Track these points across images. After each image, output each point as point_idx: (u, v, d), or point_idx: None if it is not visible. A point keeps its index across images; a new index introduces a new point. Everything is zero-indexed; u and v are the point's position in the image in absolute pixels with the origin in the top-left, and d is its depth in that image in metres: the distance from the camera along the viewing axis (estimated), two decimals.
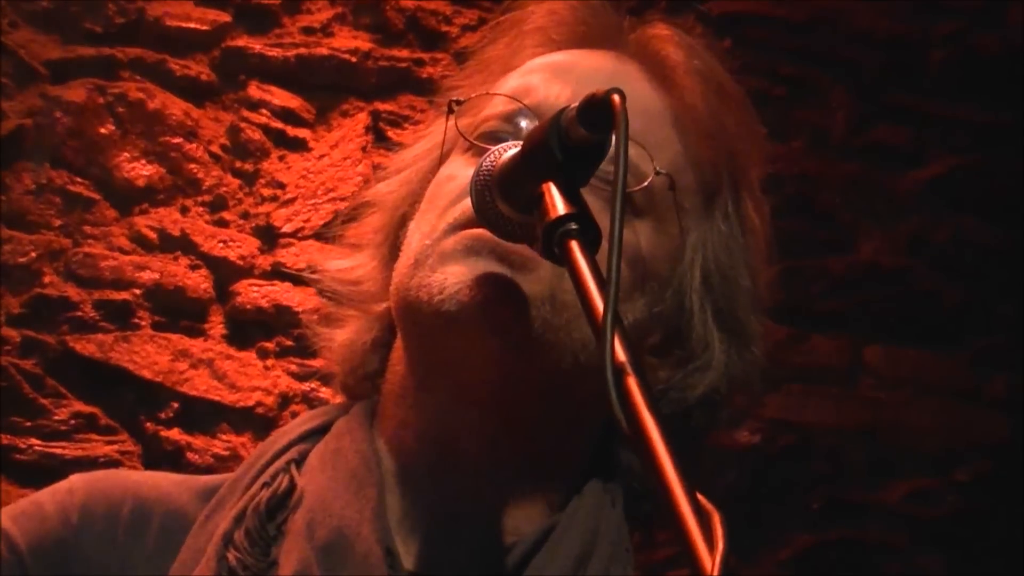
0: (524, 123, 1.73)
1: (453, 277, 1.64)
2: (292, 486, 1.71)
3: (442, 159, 1.80)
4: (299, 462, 1.74)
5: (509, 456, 1.69)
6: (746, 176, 1.85)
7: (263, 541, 1.68)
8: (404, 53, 3.29)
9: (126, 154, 3.06)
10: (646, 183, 1.72)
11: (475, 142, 1.75)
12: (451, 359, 1.67)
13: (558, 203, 1.51)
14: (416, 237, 1.72)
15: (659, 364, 1.75)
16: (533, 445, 1.70)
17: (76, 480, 1.79)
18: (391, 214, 1.83)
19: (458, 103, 1.79)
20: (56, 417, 2.91)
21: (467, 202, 1.65)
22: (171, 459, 2.97)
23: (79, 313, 2.97)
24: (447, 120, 1.80)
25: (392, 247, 1.80)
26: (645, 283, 1.74)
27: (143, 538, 1.74)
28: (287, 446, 1.77)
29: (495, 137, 1.74)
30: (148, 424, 2.97)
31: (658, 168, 1.72)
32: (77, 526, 1.74)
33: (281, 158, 3.17)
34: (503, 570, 1.65)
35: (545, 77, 1.77)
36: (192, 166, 3.10)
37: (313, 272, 1.89)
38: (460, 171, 1.73)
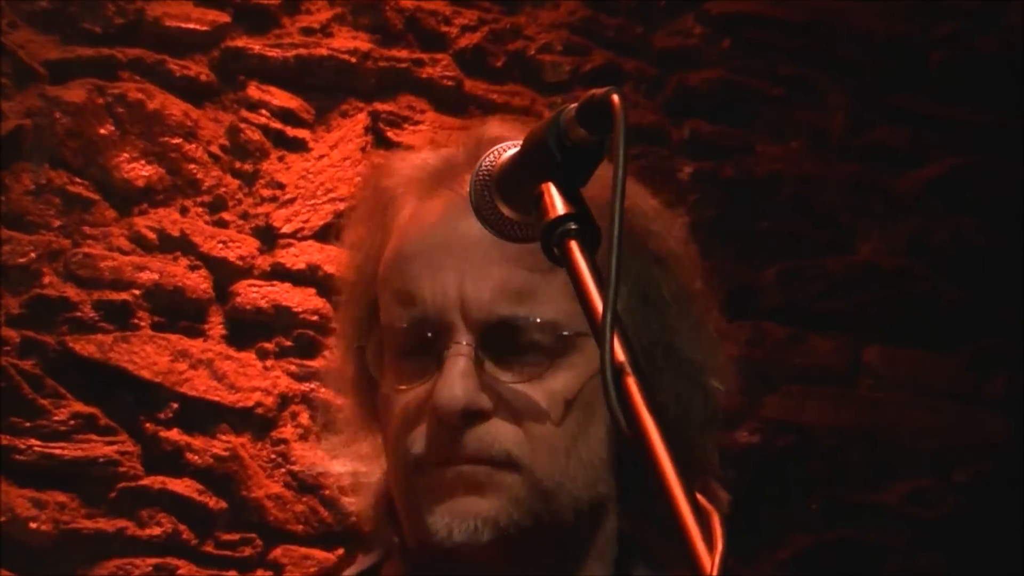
0: (423, 334, 1.73)
1: (439, 522, 1.69)
2: None
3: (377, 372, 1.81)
4: None
5: None
6: (634, 217, 1.79)
7: None
8: (403, 53, 3.29)
9: (125, 154, 3.06)
10: (538, 345, 1.73)
11: (395, 387, 1.74)
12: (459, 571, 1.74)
13: (557, 203, 1.50)
14: (392, 472, 1.76)
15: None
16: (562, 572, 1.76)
17: None
18: (356, 396, 1.85)
19: (361, 349, 1.80)
20: (56, 417, 2.91)
21: (416, 445, 1.70)
22: (170, 459, 2.97)
23: (79, 313, 2.97)
24: (361, 362, 1.81)
25: (373, 421, 1.83)
26: (600, 404, 1.74)
27: None
28: None
29: (408, 354, 1.74)
30: (148, 424, 2.97)
31: (539, 319, 1.72)
32: None
33: (280, 158, 3.17)
34: None
35: (423, 270, 1.74)
36: (191, 166, 3.10)
37: (332, 454, 1.92)
38: (394, 402, 1.75)
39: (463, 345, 1.69)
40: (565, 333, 1.72)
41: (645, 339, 1.76)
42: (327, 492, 3.04)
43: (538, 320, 1.69)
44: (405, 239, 1.77)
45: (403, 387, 1.74)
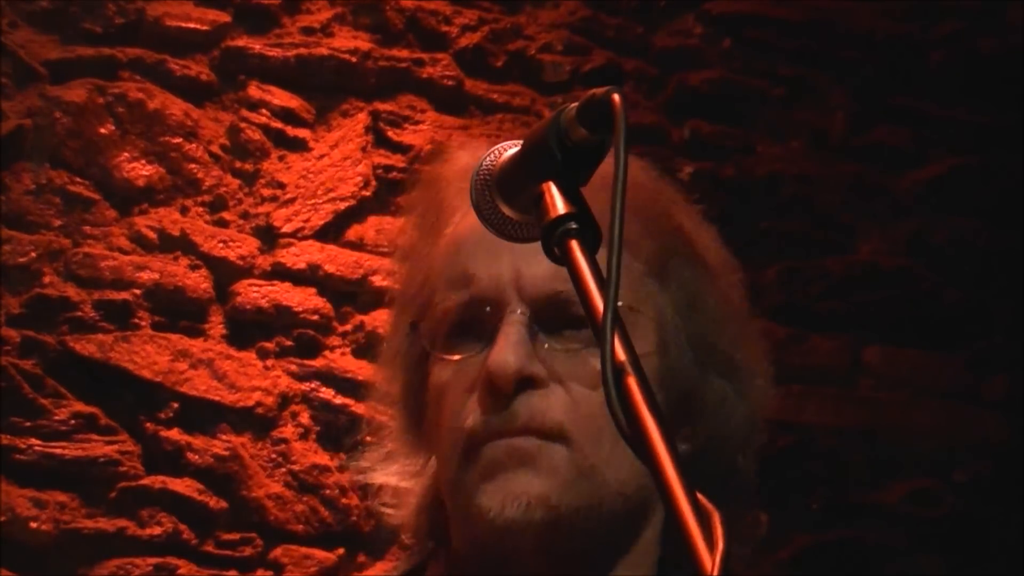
0: (479, 309, 1.75)
1: (491, 499, 1.70)
2: None
3: (425, 357, 1.82)
4: None
5: None
6: (686, 231, 1.87)
7: None
8: (404, 53, 3.29)
9: (126, 154, 3.06)
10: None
11: (447, 357, 1.77)
12: (514, 560, 1.74)
13: (558, 202, 1.50)
14: (440, 457, 1.78)
15: (690, 432, 1.80)
16: (604, 569, 1.77)
17: None
18: (402, 411, 1.87)
19: (414, 326, 1.82)
20: (56, 417, 2.91)
21: (466, 420, 1.72)
22: (171, 459, 2.97)
23: (79, 313, 2.97)
24: (415, 339, 1.82)
25: (418, 435, 1.84)
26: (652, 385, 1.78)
27: None
28: None
29: (461, 331, 1.77)
30: (148, 424, 2.97)
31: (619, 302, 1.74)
32: None
33: (281, 158, 3.17)
34: None
35: (479, 254, 1.78)
36: (192, 166, 3.10)
37: (361, 472, 1.94)
38: (446, 379, 1.77)
39: (517, 314, 1.71)
40: (619, 303, 1.73)
41: (693, 341, 1.80)
42: (327, 492, 3.04)
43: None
44: (461, 228, 1.81)
45: (457, 356, 1.75)
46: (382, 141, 3.24)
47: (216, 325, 3.07)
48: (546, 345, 1.72)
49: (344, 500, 3.06)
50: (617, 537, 1.76)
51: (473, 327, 1.75)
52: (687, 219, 1.88)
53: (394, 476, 1.88)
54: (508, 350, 1.70)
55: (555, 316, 1.72)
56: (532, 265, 1.73)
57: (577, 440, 1.71)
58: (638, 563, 1.78)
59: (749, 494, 1.88)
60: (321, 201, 3.17)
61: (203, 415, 3.01)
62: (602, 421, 1.67)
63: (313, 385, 3.08)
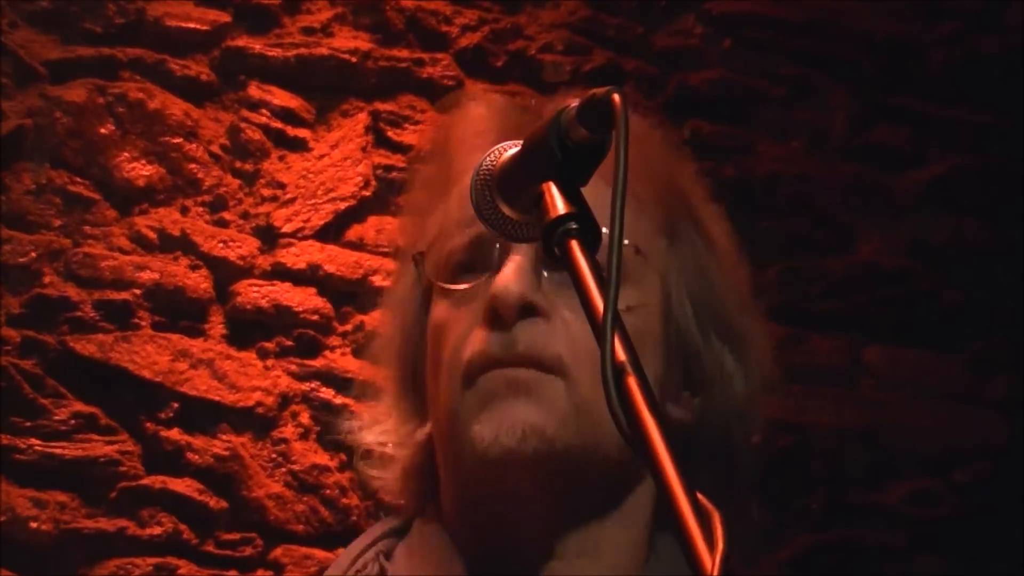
0: (488, 246, 1.76)
1: (486, 428, 1.70)
2: (382, 572, 1.79)
3: (426, 297, 1.83)
4: (386, 554, 1.82)
5: (575, 547, 1.75)
6: (694, 196, 1.91)
7: None
8: (404, 53, 3.29)
9: (126, 154, 3.06)
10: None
11: (450, 287, 1.78)
12: (505, 498, 1.74)
13: (558, 203, 1.51)
14: (439, 394, 1.77)
15: (689, 398, 1.82)
16: (598, 527, 1.76)
17: None
18: (400, 364, 1.88)
19: (421, 255, 1.83)
20: (56, 417, 2.91)
21: (467, 350, 1.72)
22: (171, 459, 2.97)
23: (79, 313, 2.97)
24: (418, 272, 1.84)
25: (413, 392, 1.85)
26: (649, 338, 1.79)
27: None
28: (372, 542, 1.84)
29: (466, 268, 1.78)
30: (148, 424, 2.97)
31: (602, 230, 1.74)
32: None
33: (281, 158, 3.17)
34: None
35: None
36: (192, 166, 3.10)
37: (350, 431, 1.94)
38: (447, 316, 1.78)
39: (523, 247, 1.71)
40: (625, 241, 1.73)
41: (698, 303, 1.81)
42: (327, 492, 3.04)
43: (602, 231, 1.66)
44: (467, 180, 1.79)
45: (461, 286, 1.75)
46: (382, 141, 3.24)
47: (216, 325, 3.07)
48: (552, 280, 1.72)
49: (344, 500, 3.06)
50: (610, 484, 1.75)
51: (479, 262, 1.76)
52: (698, 191, 1.91)
53: (383, 437, 1.88)
54: (512, 276, 1.70)
55: None
56: None
57: (576, 375, 1.70)
58: (630, 517, 1.78)
59: (748, 470, 1.87)
60: (321, 201, 3.17)
61: (203, 415, 3.01)
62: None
63: (313, 385, 3.08)
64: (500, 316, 1.70)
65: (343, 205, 3.18)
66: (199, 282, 3.07)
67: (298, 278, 3.12)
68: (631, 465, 1.73)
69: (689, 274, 1.83)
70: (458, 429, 1.73)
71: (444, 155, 1.90)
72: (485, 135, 1.86)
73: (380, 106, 3.25)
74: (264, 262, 3.12)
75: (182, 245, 3.06)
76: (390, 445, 1.88)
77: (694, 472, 1.76)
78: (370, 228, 3.19)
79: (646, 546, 1.78)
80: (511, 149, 1.63)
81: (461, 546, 1.78)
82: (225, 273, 3.09)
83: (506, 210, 1.61)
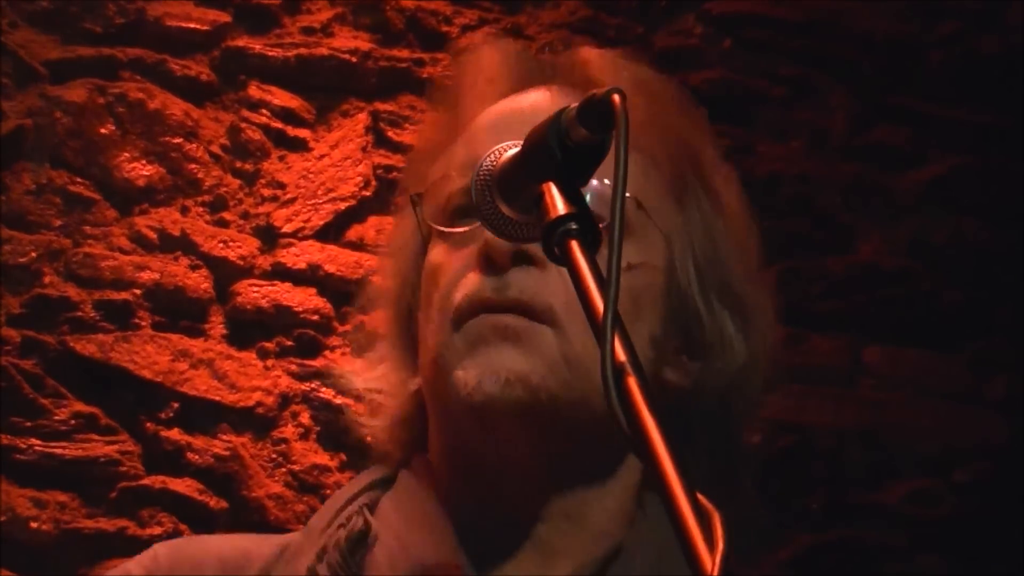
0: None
1: (470, 372, 1.68)
2: (367, 527, 1.76)
3: (424, 242, 1.82)
4: (371, 507, 1.80)
5: (559, 503, 1.74)
6: (705, 157, 1.89)
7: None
8: (404, 53, 3.29)
9: (126, 154, 3.06)
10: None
11: (446, 230, 1.78)
12: (489, 446, 1.72)
13: (558, 203, 1.51)
14: (428, 337, 1.76)
15: (687, 363, 1.79)
16: (585, 488, 1.75)
17: (160, 548, 1.86)
18: (395, 308, 1.87)
19: (419, 196, 1.82)
20: (56, 417, 2.91)
21: (458, 292, 1.71)
22: (171, 459, 2.97)
23: (79, 313, 2.97)
24: (415, 212, 1.83)
25: (406, 334, 1.84)
26: (648, 297, 1.77)
27: None
28: (357, 493, 1.82)
29: (463, 213, 1.77)
30: (148, 424, 2.97)
31: (605, 180, 1.73)
32: None
33: (281, 158, 3.18)
34: None
35: (488, 137, 1.78)
36: (192, 166, 3.10)
37: (340, 376, 1.93)
38: (443, 259, 1.77)
39: None
40: (628, 194, 1.71)
41: (702, 267, 1.79)
42: (328, 492, 3.04)
43: (605, 181, 1.64)
44: (477, 122, 1.81)
45: (457, 229, 1.74)
46: (382, 141, 3.24)
47: (216, 325, 3.07)
48: None
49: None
50: (598, 443, 1.72)
51: (472, 213, 1.72)
52: (710, 151, 1.89)
53: (375, 383, 1.87)
54: None
55: None
56: None
57: (567, 327, 1.68)
58: (618, 480, 1.76)
59: (744, 442, 1.86)
60: (321, 201, 3.17)
61: (203, 415, 3.01)
62: None
63: (313, 385, 3.08)
64: (493, 260, 1.69)
65: (343, 205, 3.18)
66: (199, 282, 3.07)
67: (298, 278, 3.12)
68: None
69: (695, 235, 1.81)
70: (443, 373, 1.71)
71: (454, 99, 1.89)
72: (497, 82, 1.86)
73: (380, 106, 3.26)
74: (264, 262, 3.12)
75: (182, 245, 3.06)
76: (381, 393, 1.87)
77: (689, 441, 1.75)
78: (370, 228, 3.19)
79: (634, 509, 1.76)
80: (511, 149, 1.63)
81: (447, 501, 1.76)
82: (225, 273, 3.09)
83: (506, 210, 1.61)
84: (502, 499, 1.74)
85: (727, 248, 1.84)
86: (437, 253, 1.78)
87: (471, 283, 1.71)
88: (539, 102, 1.81)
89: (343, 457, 3.05)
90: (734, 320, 1.82)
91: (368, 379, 1.89)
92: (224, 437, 3.01)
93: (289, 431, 3.06)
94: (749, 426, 1.86)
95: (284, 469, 3.05)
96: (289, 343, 3.09)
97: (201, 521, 2.97)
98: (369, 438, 1.90)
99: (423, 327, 1.78)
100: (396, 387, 1.85)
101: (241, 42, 3.20)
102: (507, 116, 1.82)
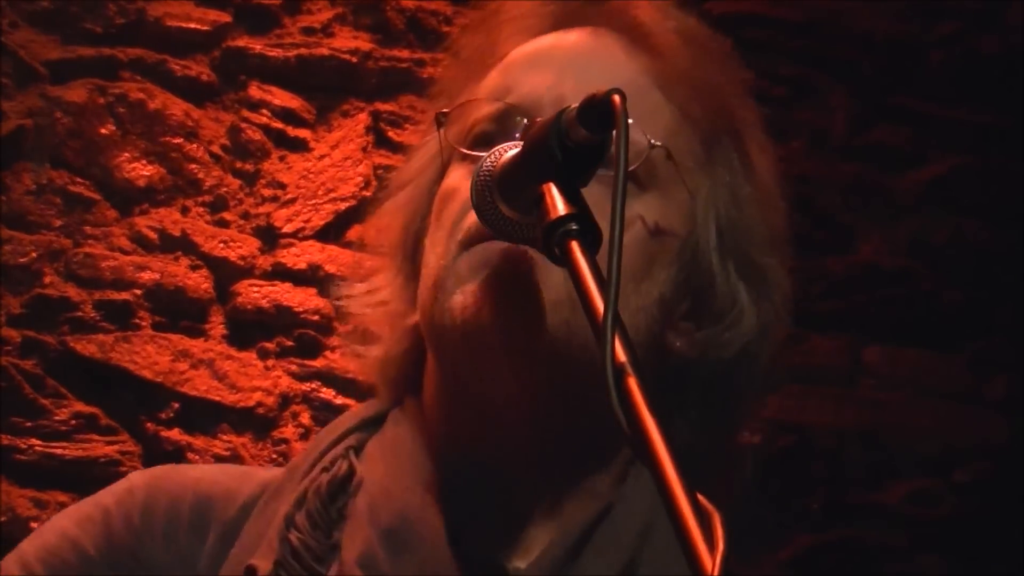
0: (511, 119, 1.73)
1: (471, 296, 1.64)
2: (351, 472, 1.73)
3: (443, 168, 1.79)
4: (357, 449, 1.76)
5: (549, 455, 1.71)
6: (743, 121, 1.85)
7: (325, 524, 1.70)
8: (404, 53, 3.29)
9: (126, 154, 3.06)
10: (642, 159, 1.71)
11: (467, 151, 1.74)
12: (477, 375, 1.68)
13: (558, 203, 1.51)
14: (432, 258, 1.72)
15: (693, 328, 1.75)
16: (571, 440, 1.71)
17: (136, 479, 1.81)
18: (403, 232, 1.83)
19: (444, 115, 1.79)
20: (56, 417, 2.92)
21: (470, 216, 1.66)
22: (171, 459, 2.97)
23: (79, 313, 2.97)
24: (438, 132, 1.79)
25: (411, 264, 1.80)
26: (664, 255, 1.74)
27: (204, 535, 1.76)
28: (344, 434, 1.78)
29: (486, 140, 1.73)
30: (148, 424, 2.97)
31: (652, 140, 1.71)
32: (139, 528, 1.76)
33: (282, 158, 3.18)
34: (564, 552, 1.67)
35: (524, 69, 1.76)
36: (192, 166, 3.10)
37: (338, 298, 1.89)
38: (460, 183, 1.73)
39: None
40: (657, 143, 1.69)
41: (723, 231, 1.76)
42: None
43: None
44: (516, 52, 1.78)
45: (478, 153, 1.68)
46: (383, 141, 3.24)
47: (217, 325, 3.07)
48: None
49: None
50: (592, 397, 1.56)
51: (501, 136, 1.70)
52: (749, 116, 1.85)
53: (371, 309, 1.83)
54: None
55: None
56: (578, 84, 1.67)
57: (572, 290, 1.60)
58: (607, 443, 1.72)
59: (743, 418, 1.82)
60: (322, 201, 3.17)
61: (204, 415, 3.01)
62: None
63: (314, 385, 3.08)
64: None
65: (343, 205, 3.18)
66: (199, 282, 3.07)
67: (299, 278, 3.12)
68: None
69: (721, 197, 1.77)
70: (440, 297, 1.66)
71: (492, 26, 1.86)
72: (540, 16, 1.83)
73: (380, 106, 3.26)
74: (264, 262, 3.12)
75: (182, 245, 3.07)
76: (377, 320, 1.82)
77: (682, 414, 1.70)
78: (371, 228, 3.18)
79: (626, 469, 1.71)
80: (512, 150, 1.63)
81: (436, 449, 1.72)
82: (225, 273, 3.09)
83: (506, 211, 1.61)
84: (490, 443, 1.70)
85: (752, 217, 1.80)
86: (455, 177, 1.74)
87: None
88: (580, 42, 1.78)
89: None
90: (749, 292, 1.78)
91: (366, 306, 1.84)
92: (224, 437, 3.01)
93: (289, 431, 3.06)
94: (747, 406, 1.82)
95: None
96: (289, 343, 3.09)
97: None
98: (361, 370, 1.85)
99: (428, 254, 1.73)
100: (395, 319, 1.80)
101: (241, 42, 3.20)
102: (546, 52, 1.78)
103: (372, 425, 1.79)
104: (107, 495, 1.79)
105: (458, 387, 1.71)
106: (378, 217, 1.91)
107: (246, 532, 1.73)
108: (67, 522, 1.77)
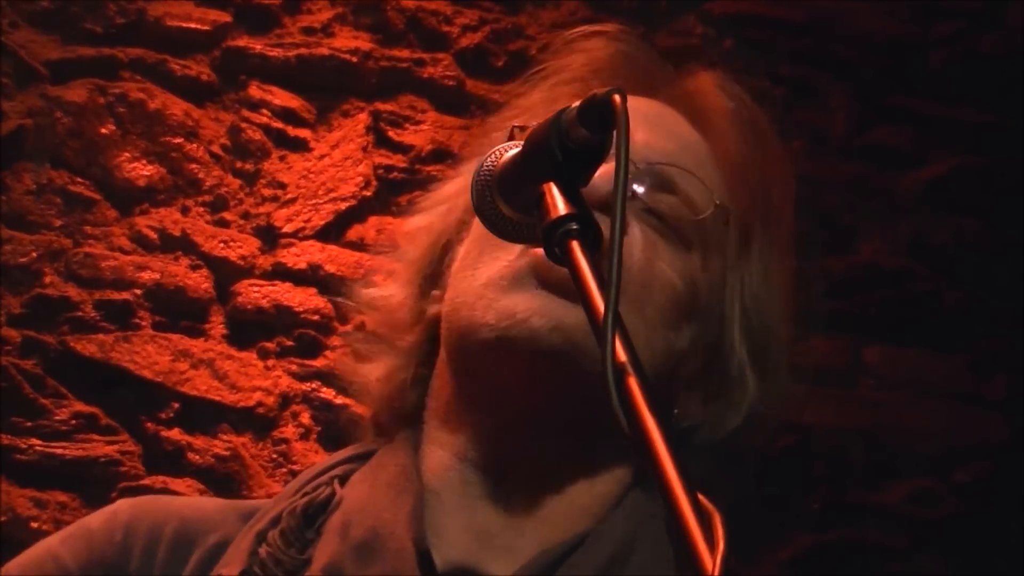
0: None
1: (523, 304, 1.68)
2: (332, 495, 1.75)
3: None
4: (343, 479, 1.79)
5: (552, 472, 1.73)
6: (780, 220, 1.91)
7: (299, 542, 1.71)
8: (405, 53, 3.29)
9: (127, 154, 3.06)
10: (706, 214, 1.75)
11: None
12: (506, 383, 1.71)
13: (559, 203, 1.51)
14: (484, 259, 1.74)
15: (693, 396, 1.80)
16: (577, 460, 1.74)
17: (122, 503, 1.85)
18: (433, 244, 1.86)
19: (521, 129, 1.80)
20: (57, 417, 2.91)
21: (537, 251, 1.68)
22: (171, 459, 2.97)
23: (79, 313, 2.97)
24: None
25: (429, 276, 1.82)
26: (693, 314, 1.78)
27: (186, 557, 1.78)
28: (332, 465, 1.82)
29: None
30: (149, 424, 2.97)
31: (718, 200, 1.75)
32: (121, 544, 1.78)
33: (282, 158, 3.18)
34: (540, 569, 1.68)
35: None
36: (193, 166, 3.10)
37: (347, 299, 1.91)
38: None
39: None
40: (717, 202, 1.72)
41: (748, 315, 1.81)
42: None
43: (702, 180, 1.64)
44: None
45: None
46: (383, 141, 3.24)
47: (217, 325, 3.07)
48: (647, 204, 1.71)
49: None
50: (602, 423, 1.66)
51: None
52: (788, 211, 1.92)
53: (377, 313, 1.85)
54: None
55: (663, 185, 1.73)
56: (660, 136, 1.74)
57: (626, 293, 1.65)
58: (609, 467, 1.74)
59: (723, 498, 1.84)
60: (322, 201, 3.17)
61: (204, 415, 3.01)
62: (645, 292, 1.69)
63: (314, 385, 3.08)
64: None
65: (344, 205, 3.18)
66: (200, 282, 3.07)
67: (299, 278, 3.12)
68: None
69: (748, 287, 1.82)
70: (492, 294, 1.70)
71: (558, 80, 1.91)
72: (604, 76, 1.86)
73: (381, 106, 3.26)
74: (265, 262, 3.12)
75: (183, 245, 3.07)
76: (381, 328, 1.85)
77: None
78: (371, 228, 3.19)
79: (615, 500, 1.75)
80: (512, 150, 1.63)
81: (430, 466, 1.74)
82: (226, 273, 3.09)
83: (506, 211, 1.61)
84: (489, 455, 1.72)
85: (775, 306, 1.86)
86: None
87: None
88: (645, 107, 1.82)
89: None
90: (757, 378, 1.82)
91: (377, 295, 1.87)
92: (224, 437, 3.01)
93: (290, 431, 3.06)
94: (732, 485, 1.84)
95: (285, 469, 3.05)
96: (290, 343, 3.09)
97: None
98: (357, 394, 1.87)
99: (473, 256, 1.76)
100: (397, 328, 1.83)
101: (242, 42, 3.20)
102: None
103: (362, 459, 1.82)
104: (93, 517, 1.83)
105: (476, 393, 1.73)
106: (407, 225, 1.93)
107: (227, 554, 1.75)
108: (52, 541, 1.81)
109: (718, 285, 1.80)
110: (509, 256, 1.72)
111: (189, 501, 1.88)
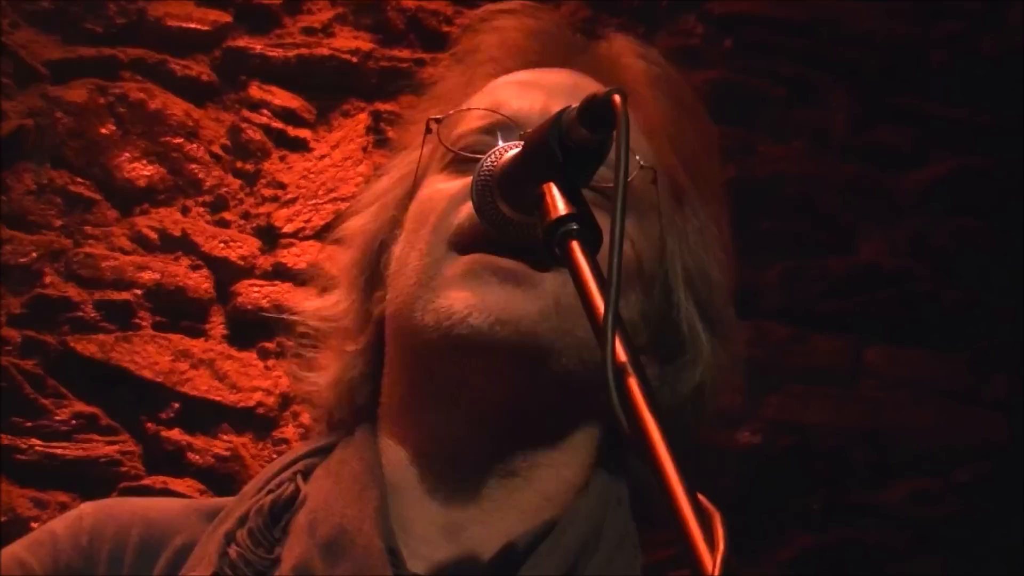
0: (501, 134, 1.75)
1: (460, 302, 1.66)
2: (296, 492, 1.75)
3: (416, 183, 1.81)
4: (305, 474, 1.78)
5: (515, 462, 1.73)
6: (707, 177, 1.90)
7: (267, 541, 1.71)
8: (405, 53, 3.29)
9: (127, 154, 3.06)
10: (634, 174, 1.74)
11: (460, 152, 1.77)
12: (459, 381, 1.70)
13: (559, 203, 1.51)
14: (412, 256, 1.74)
15: (648, 361, 1.77)
16: (539, 449, 1.73)
17: (86, 507, 1.85)
18: (367, 246, 1.86)
19: (437, 121, 1.81)
20: (57, 417, 2.91)
21: (460, 212, 1.69)
22: (172, 459, 2.97)
23: (80, 313, 2.97)
24: (423, 140, 1.82)
25: (370, 279, 1.82)
26: (635, 280, 1.77)
27: (153, 560, 1.78)
28: (293, 461, 1.81)
29: (475, 150, 1.76)
30: (149, 424, 2.97)
31: (642, 162, 1.74)
32: (87, 548, 1.78)
33: (282, 158, 3.18)
34: (505, 566, 1.67)
35: (514, 91, 1.81)
36: (193, 166, 3.10)
37: (291, 313, 1.91)
38: (442, 185, 1.76)
39: None
40: (642, 164, 1.72)
41: (690, 275, 1.80)
42: None
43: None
44: (500, 80, 1.83)
45: (474, 156, 1.71)
46: (383, 141, 3.24)
47: (217, 325, 3.07)
48: None
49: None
50: (561, 405, 1.71)
51: (491, 147, 1.71)
52: (718, 173, 1.91)
53: (323, 324, 1.85)
54: None
55: None
56: (563, 105, 1.69)
57: (565, 276, 1.61)
58: (572, 453, 1.74)
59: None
60: (322, 201, 3.18)
61: (204, 415, 3.01)
62: None
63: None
64: None
65: (344, 205, 3.17)
66: (200, 282, 3.07)
67: (299, 278, 3.12)
68: (586, 393, 1.70)
69: (687, 246, 1.82)
70: (427, 295, 1.69)
71: (475, 59, 1.92)
72: (523, 53, 1.88)
73: (381, 106, 3.26)
74: (265, 262, 3.12)
75: (183, 245, 3.07)
76: (327, 340, 1.84)
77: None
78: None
79: (582, 484, 1.74)
80: (512, 150, 1.63)
81: (389, 462, 1.73)
82: (226, 273, 3.09)
83: (507, 211, 1.61)
84: (449, 450, 1.71)
85: (715, 268, 1.85)
86: (437, 180, 1.77)
87: (474, 216, 1.67)
88: (564, 76, 1.83)
89: None
90: (708, 335, 1.82)
91: (319, 305, 1.87)
92: (225, 437, 3.01)
93: (290, 431, 3.06)
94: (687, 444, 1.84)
95: None
96: (290, 343, 3.09)
97: None
98: (309, 398, 1.88)
99: (405, 254, 1.75)
100: (344, 337, 1.82)
101: (242, 42, 3.20)
102: (533, 80, 1.83)
103: (322, 453, 1.81)
104: (57, 522, 1.84)
105: (430, 393, 1.72)
106: (339, 236, 1.93)
107: (194, 556, 1.75)
108: (17, 547, 1.81)
109: (658, 249, 1.80)
110: (436, 252, 1.71)
111: (152, 503, 1.87)
